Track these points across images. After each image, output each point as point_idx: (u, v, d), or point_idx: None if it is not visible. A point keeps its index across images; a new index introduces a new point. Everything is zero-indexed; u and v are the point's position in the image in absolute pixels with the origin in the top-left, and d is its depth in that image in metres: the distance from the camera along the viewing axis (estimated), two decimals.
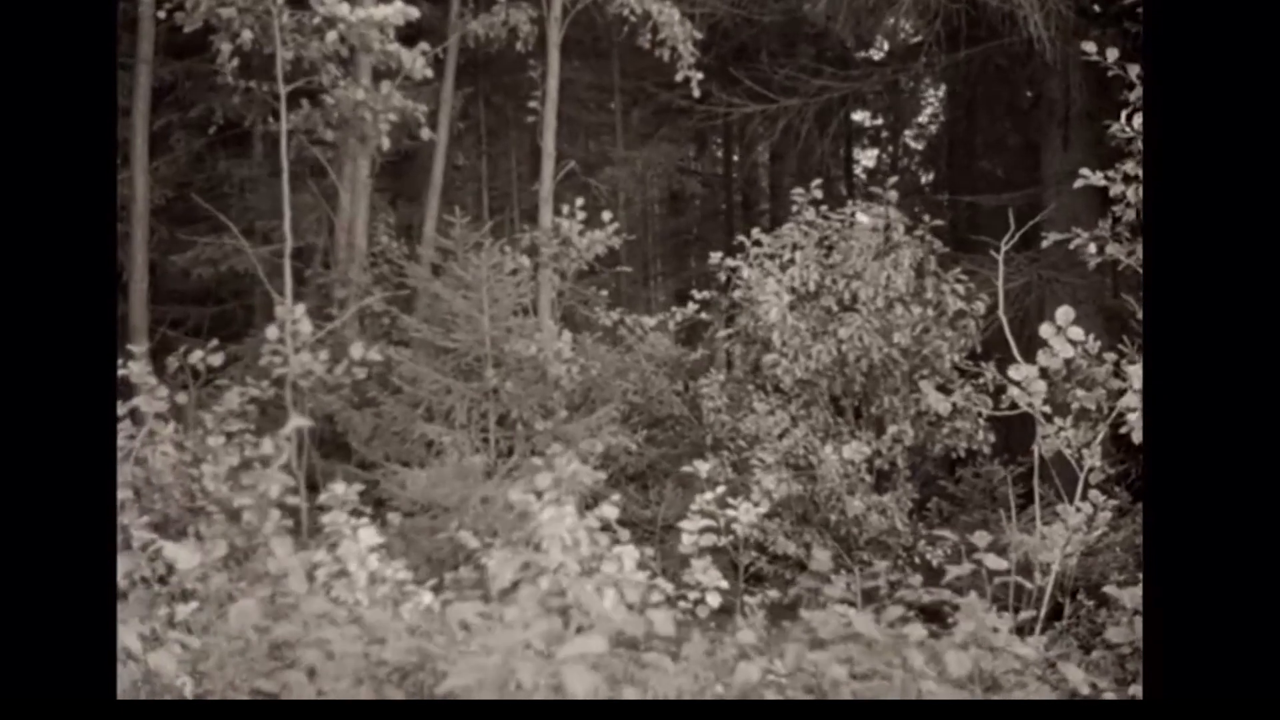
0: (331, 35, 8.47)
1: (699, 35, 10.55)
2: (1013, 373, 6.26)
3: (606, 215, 10.87)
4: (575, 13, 10.77)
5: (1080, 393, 6.43)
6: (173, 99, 13.26)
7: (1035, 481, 7.05)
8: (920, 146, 22.46)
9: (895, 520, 8.82)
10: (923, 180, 23.67)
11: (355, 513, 8.20)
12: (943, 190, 17.70)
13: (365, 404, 9.93)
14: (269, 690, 3.71)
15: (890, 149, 22.06)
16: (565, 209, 10.70)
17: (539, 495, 6.06)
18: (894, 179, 10.26)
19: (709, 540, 6.09)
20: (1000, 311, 7.52)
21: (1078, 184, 7.10)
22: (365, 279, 11.36)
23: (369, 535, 5.20)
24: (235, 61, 10.61)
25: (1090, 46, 7.01)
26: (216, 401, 7.61)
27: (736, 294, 9.97)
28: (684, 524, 6.30)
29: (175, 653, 3.70)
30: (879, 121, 23.61)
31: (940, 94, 18.34)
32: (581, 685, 3.43)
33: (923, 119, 21.25)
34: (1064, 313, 6.09)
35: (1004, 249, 7.87)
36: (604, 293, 11.98)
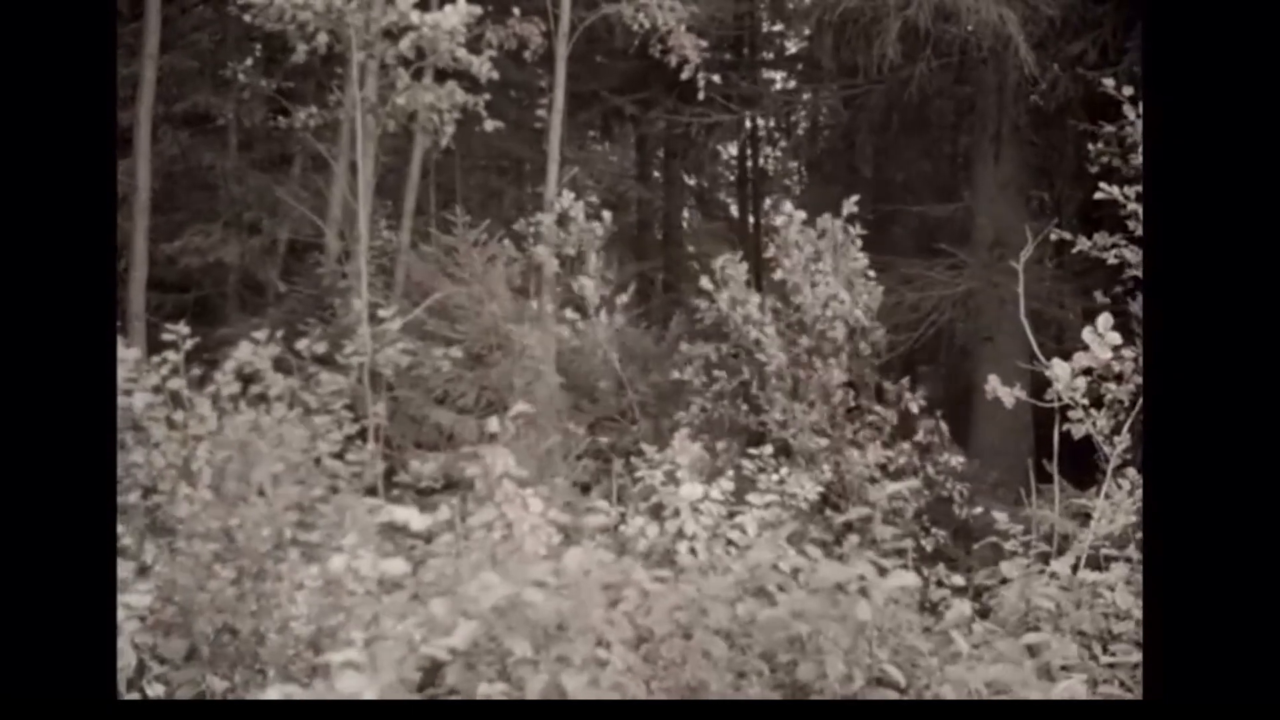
0: (405, 41, 9.03)
1: (704, 43, 11.42)
2: (1058, 369, 7.28)
3: (607, 215, 11.68)
4: (583, 28, 11.57)
5: (1113, 386, 7.51)
6: (157, 93, 13.53)
7: (1055, 465, 8.11)
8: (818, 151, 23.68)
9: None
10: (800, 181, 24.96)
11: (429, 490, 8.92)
12: (863, 200, 18.87)
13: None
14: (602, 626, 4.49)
15: (797, 153, 23.22)
16: (557, 203, 11.49)
17: (672, 474, 6.94)
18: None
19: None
20: (1022, 316, 8.55)
21: (1097, 195, 8.07)
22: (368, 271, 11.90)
23: (537, 504, 5.92)
24: (249, 61, 11.11)
25: (1109, 81, 8.09)
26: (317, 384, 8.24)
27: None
28: (751, 498, 7.18)
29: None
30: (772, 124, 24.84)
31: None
32: (865, 613, 4.35)
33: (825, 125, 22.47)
34: (1104, 319, 7.14)
35: (1023, 260, 8.85)
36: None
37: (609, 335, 11.31)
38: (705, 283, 10.81)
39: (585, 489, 8.86)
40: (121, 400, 7.39)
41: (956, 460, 11.18)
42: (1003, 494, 11.40)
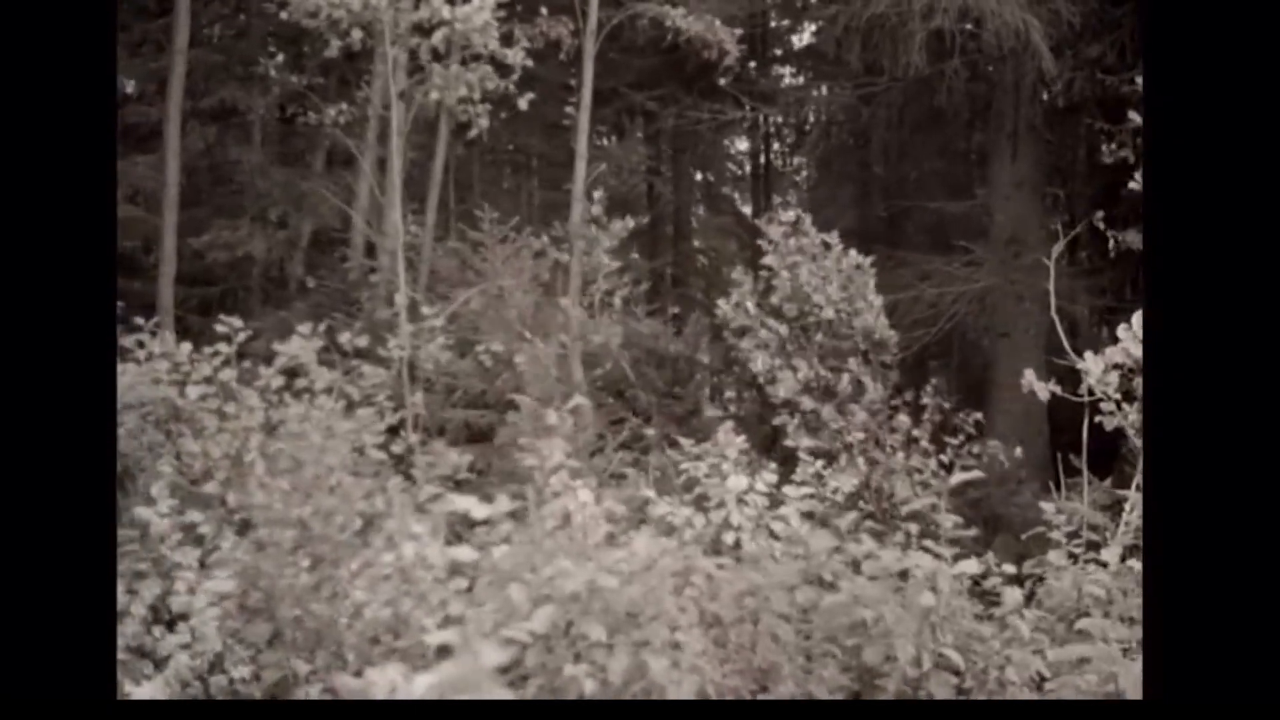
0: (437, 35, 9.10)
1: (739, 30, 11.60)
2: (1091, 364, 7.44)
3: (628, 218, 11.86)
4: (611, 26, 11.73)
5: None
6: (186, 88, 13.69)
7: (1084, 458, 8.28)
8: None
9: (940, 499, 9.96)
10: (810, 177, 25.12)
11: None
12: (875, 197, 19.02)
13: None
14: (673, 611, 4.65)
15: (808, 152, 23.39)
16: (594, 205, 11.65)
17: (719, 466, 7.11)
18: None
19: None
20: (1053, 312, 8.71)
21: (1132, 185, 8.16)
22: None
23: (585, 494, 6.08)
24: (280, 57, 11.24)
25: (1137, 79, 8.24)
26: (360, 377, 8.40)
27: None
28: (788, 490, 7.35)
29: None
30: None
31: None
32: (929, 599, 4.53)
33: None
34: (1139, 316, 7.30)
35: (1054, 257, 9.01)
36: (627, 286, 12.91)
37: (619, 332, 11.48)
38: (723, 308, 11.00)
39: (622, 480, 9.03)
40: (172, 391, 7.56)
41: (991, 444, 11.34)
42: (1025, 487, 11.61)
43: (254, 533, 5.05)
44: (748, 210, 27.44)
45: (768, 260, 10.73)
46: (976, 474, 5.44)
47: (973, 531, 5.05)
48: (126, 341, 7.78)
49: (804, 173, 25.85)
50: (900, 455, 9.58)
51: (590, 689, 3.96)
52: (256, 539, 4.98)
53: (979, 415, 10.90)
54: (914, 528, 5.37)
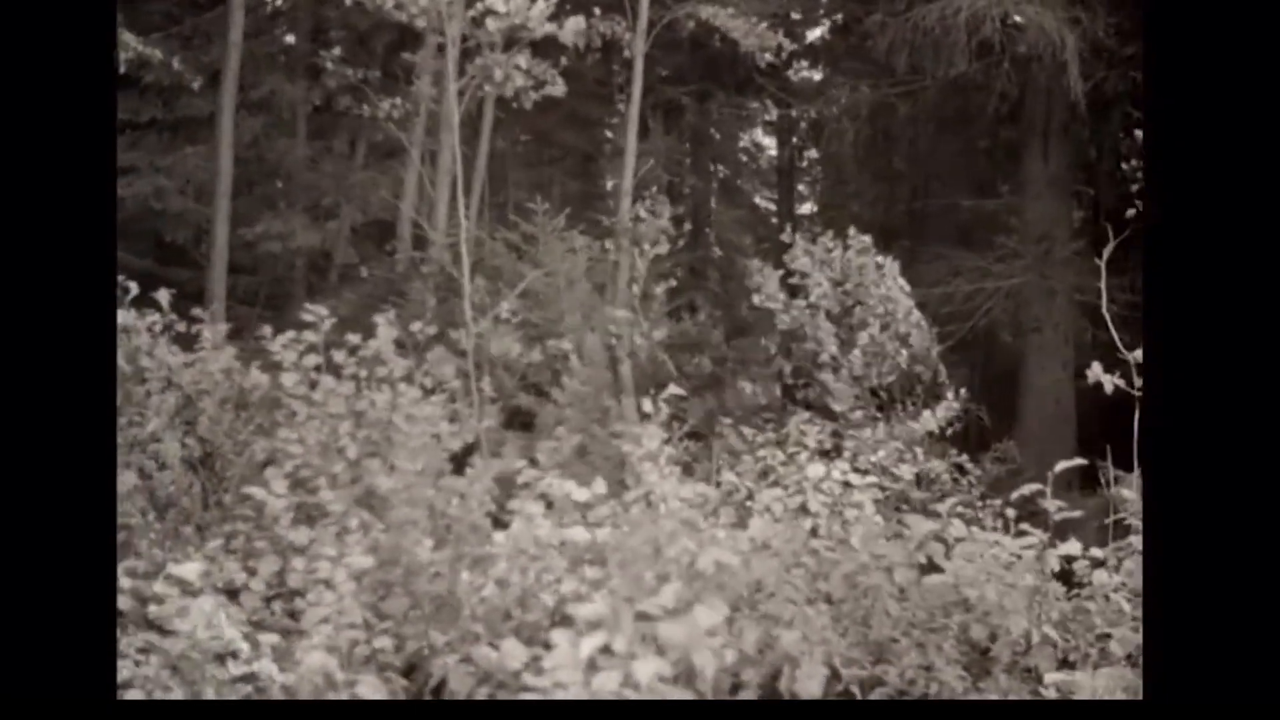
0: (492, 25, 9.25)
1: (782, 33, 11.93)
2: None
3: (669, 211, 12.14)
4: (660, 27, 12.01)
5: None
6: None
7: (1135, 451, 8.53)
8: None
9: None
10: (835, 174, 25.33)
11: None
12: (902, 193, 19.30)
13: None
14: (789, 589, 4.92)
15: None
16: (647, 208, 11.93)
17: (797, 454, 7.39)
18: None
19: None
20: (1104, 310, 8.95)
21: None
22: (446, 257, 12.29)
23: (674, 484, 6.32)
24: (338, 50, 11.48)
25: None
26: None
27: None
28: (854, 479, 7.63)
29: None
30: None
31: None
32: (1030, 579, 4.81)
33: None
34: None
35: (1106, 256, 9.22)
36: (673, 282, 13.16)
37: (660, 327, 11.75)
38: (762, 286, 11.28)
39: (687, 468, 9.30)
40: (265, 377, 7.78)
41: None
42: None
43: (389, 512, 5.32)
44: (765, 204, 27.76)
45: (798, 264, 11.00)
46: (1079, 461, 5.67)
47: (1079, 513, 5.30)
48: (183, 328, 8.03)
49: (819, 168, 26.09)
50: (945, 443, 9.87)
51: (730, 659, 4.22)
52: (388, 518, 5.25)
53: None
54: (1012, 512, 5.63)
